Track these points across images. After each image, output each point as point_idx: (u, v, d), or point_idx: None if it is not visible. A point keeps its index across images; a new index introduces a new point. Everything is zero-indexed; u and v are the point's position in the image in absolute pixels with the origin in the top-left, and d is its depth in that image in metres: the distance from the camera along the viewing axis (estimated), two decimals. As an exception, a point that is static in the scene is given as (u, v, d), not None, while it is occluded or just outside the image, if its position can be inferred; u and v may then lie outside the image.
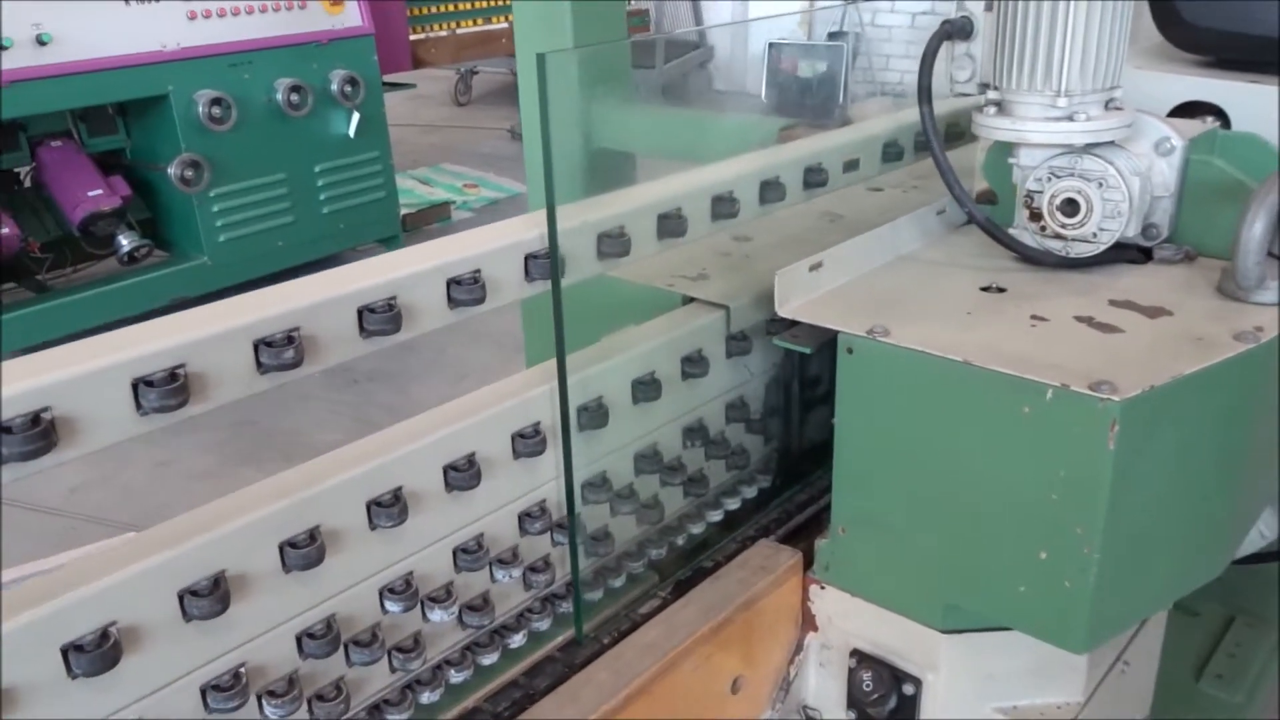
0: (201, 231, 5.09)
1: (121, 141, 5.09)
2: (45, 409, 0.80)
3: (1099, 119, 1.37)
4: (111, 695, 0.88)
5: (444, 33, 6.63)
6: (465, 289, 1.07)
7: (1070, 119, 1.37)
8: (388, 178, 5.85)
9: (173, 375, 0.85)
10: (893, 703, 1.34)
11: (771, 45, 8.57)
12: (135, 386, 0.84)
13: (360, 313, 0.99)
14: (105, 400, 0.82)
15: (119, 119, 5.04)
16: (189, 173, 4.91)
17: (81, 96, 4.67)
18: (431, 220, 6.77)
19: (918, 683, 1.33)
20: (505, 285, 1.13)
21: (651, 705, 1.20)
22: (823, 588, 1.39)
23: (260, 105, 5.16)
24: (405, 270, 1.03)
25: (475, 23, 6.76)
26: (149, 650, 0.89)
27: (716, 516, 1.48)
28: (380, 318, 0.99)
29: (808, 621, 1.43)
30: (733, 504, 1.50)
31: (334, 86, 5.41)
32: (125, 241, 4.96)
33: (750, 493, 1.53)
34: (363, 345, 0.99)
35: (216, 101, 4.92)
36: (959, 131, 1.85)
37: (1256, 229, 1.29)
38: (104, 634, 0.85)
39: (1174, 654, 1.68)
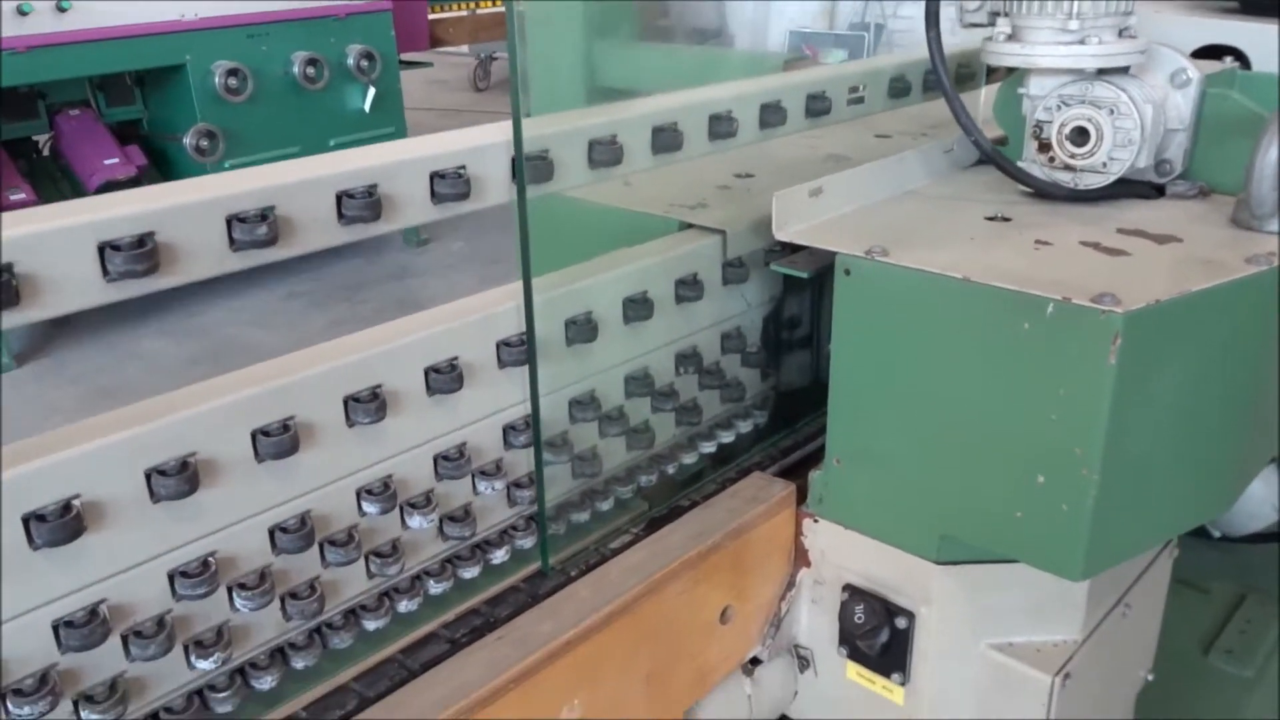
0: (217, 205, 5.08)
1: (139, 111, 5.10)
2: (8, 265, 0.77)
3: (1112, 44, 1.33)
4: (75, 571, 0.86)
5: (463, 12, 6.61)
6: (449, 183, 1.04)
7: (1082, 43, 1.33)
8: (403, 155, 5.82)
9: (140, 241, 0.83)
10: (885, 636, 1.31)
11: (792, 33, 8.52)
12: (102, 250, 0.82)
13: (339, 198, 0.96)
14: (70, 261, 0.80)
15: (136, 89, 5.06)
16: (204, 143, 4.91)
17: (100, 64, 4.68)
18: (447, 200, 6.74)
19: (911, 616, 1.29)
20: (490, 185, 1.10)
21: (636, 626, 1.18)
22: (816, 521, 1.36)
23: (277, 77, 5.15)
24: (388, 159, 1.00)
25: (494, 2, 6.74)
26: (114, 528, 0.87)
27: (709, 448, 1.45)
28: (360, 204, 0.96)
29: (800, 557, 1.40)
30: (726, 437, 1.47)
31: (350, 61, 5.40)
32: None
33: (745, 428, 1.50)
34: (341, 232, 0.97)
35: (233, 73, 4.92)
36: (969, 73, 1.81)
37: (1272, 154, 1.25)
38: (66, 506, 0.83)
39: (1183, 629, 1.63)
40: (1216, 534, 2.64)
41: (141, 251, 0.82)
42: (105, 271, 0.82)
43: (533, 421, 1.19)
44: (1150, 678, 1.57)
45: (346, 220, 0.96)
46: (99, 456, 0.85)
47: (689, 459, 1.42)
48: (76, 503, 0.84)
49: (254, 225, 0.88)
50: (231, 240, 0.89)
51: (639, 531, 1.29)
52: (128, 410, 0.90)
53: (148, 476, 0.89)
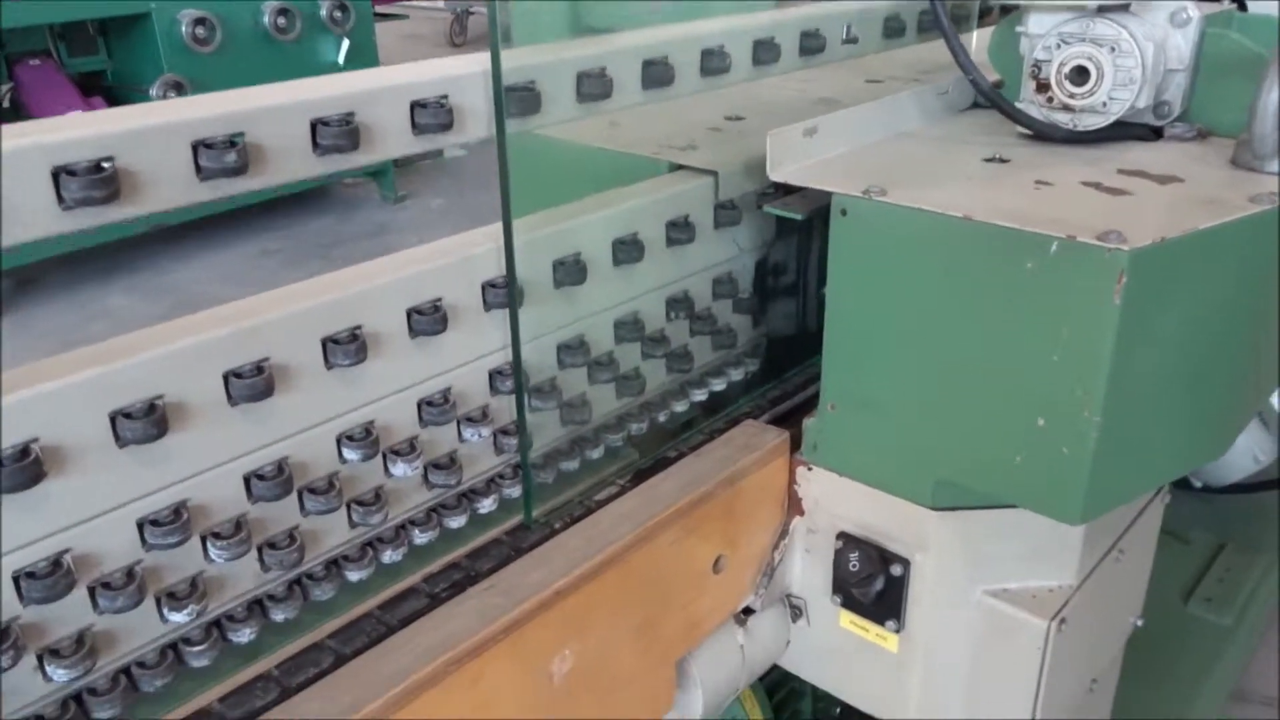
0: (185, 158, 4.95)
1: (103, 63, 4.95)
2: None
3: (1114, -23, 1.29)
4: (35, 519, 0.81)
5: (437, -36, 6.44)
6: (431, 113, 0.98)
7: (1084, -23, 1.28)
8: (377, 109, 5.69)
9: (98, 166, 0.77)
10: (879, 584, 1.29)
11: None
12: (56, 177, 0.76)
13: (314, 126, 0.91)
14: (21, 187, 0.74)
15: (100, 38, 4.89)
16: (171, 95, 4.77)
17: (61, 11, 4.52)
18: (422, 157, 6.63)
19: (906, 563, 1.27)
20: (474, 116, 1.04)
21: (627, 576, 1.14)
22: (810, 469, 1.33)
23: (246, 28, 5.00)
24: (366, 86, 0.94)
25: (469, -47, 6.57)
26: (77, 473, 0.82)
27: (700, 396, 1.41)
28: (335, 132, 0.90)
29: (793, 506, 1.37)
30: (718, 385, 1.43)
31: (323, 12, 5.26)
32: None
33: (736, 375, 1.46)
34: (317, 163, 0.91)
35: (200, 21, 4.77)
36: (963, 14, 1.76)
37: (1274, 95, 1.21)
38: (24, 450, 0.78)
39: (1163, 578, 1.63)
40: (1198, 484, 2.65)
41: (99, 177, 0.76)
42: (60, 199, 0.76)
43: (514, 367, 1.14)
44: (1140, 623, 1.56)
45: (322, 150, 0.91)
46: (59, 397, 0.80)
47: (680, 407, 1.39)
48: (35, 446, 0.79)
49: (222, 152, 0.83)
50: (198, 168, 0.83)
51: (625, 484, 1.25)
52: (90, 350, 0.85)
53: (112, 419, 0.83)
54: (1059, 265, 1.03)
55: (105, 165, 0.77)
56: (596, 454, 1.28)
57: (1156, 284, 1.03)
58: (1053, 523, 1.14)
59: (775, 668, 1.49)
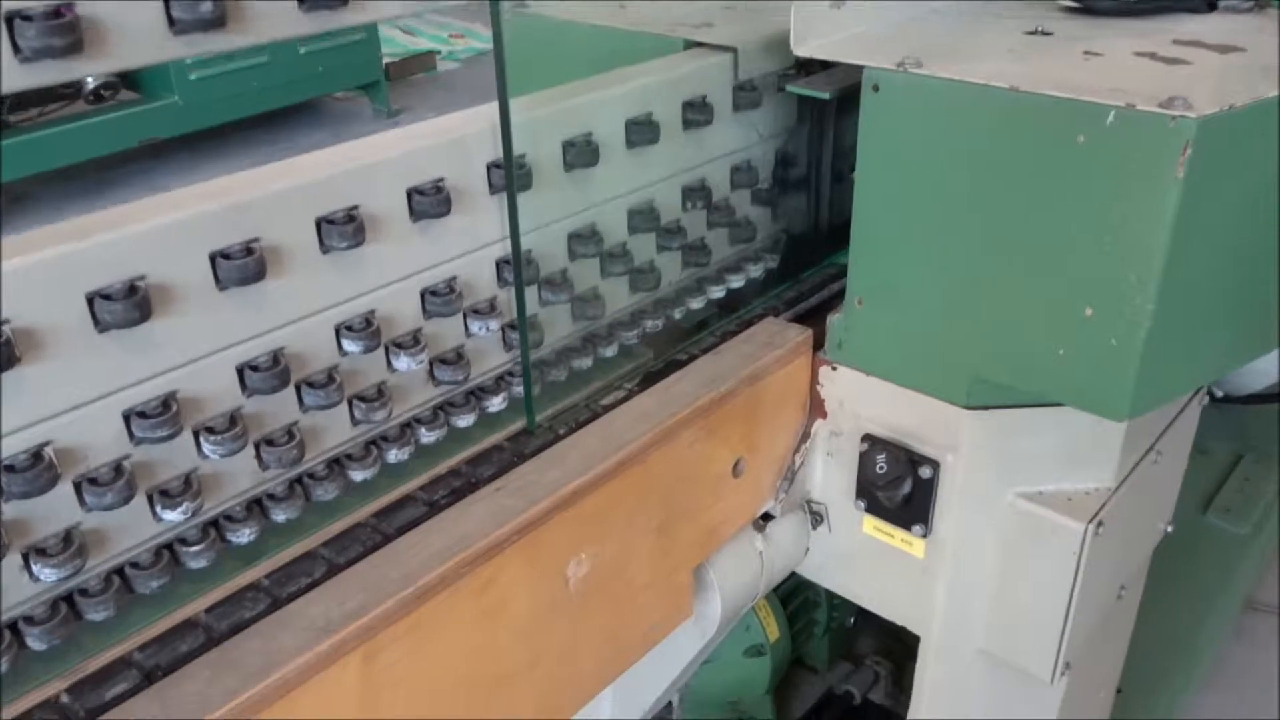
0: (171, 69, 4.80)
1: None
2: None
3: None
4: (13, 406, 0.75)
5: None
6: (429, -33, 0.89)
7: None
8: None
9: (57, 12, 0.68)
10: (907, 487, 1.24)
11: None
12: (11, 22, 0.68)
13: (298, -23, 0.81)
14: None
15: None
16: None
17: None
18: (415, 70, 6.43)
19: (935, 465, 1.22)
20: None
21: (646, 477, 1.09)
22: (834, 369, 1.27)
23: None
24: (356, -65, 0.85)
25: None
26: (54, 359, 0.76)
27: (718, 293, 1.35)
28: (322, -16, 0.81)
29: (816, 408, 1.32)
30: (736, 281, 1.37)
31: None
32: (90, 79, 4.68)
33: (756, 272, 1.40)
34: (304, 20, 0.82)
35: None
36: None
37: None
38: (-6, 332, 0.71)
39: (1183, 487, 1.59)
40: (1219, 394, 2.59)
41: (59, 24, 0.68)
42: (17, 49, 0.68)
43: (513, 254, 1.06)
44: (1170, 529, 1.52)
45: (309, 7, 0.82)
46: (29, 275, 0.73)
47: (696, 304, 1.32)
48: (6, 328, 0.72)
49: (196, 3, 0.74)
50: (171, 20, 0.74)
51: (633, 388, 1.19)
52: (63, 226, 0.78)
53: (90, 301, 0.77)
54: (1115, 138, 0.95)
55: (65, 11, 0.68)
56: (610, 351, 1.22)
57: (1221, 157, 0.95)
58: (1092, 421, 1.09)
59: (789, 578, 1.46)
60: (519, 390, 1.13)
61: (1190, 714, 2.10)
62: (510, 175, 1.01)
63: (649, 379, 1.20)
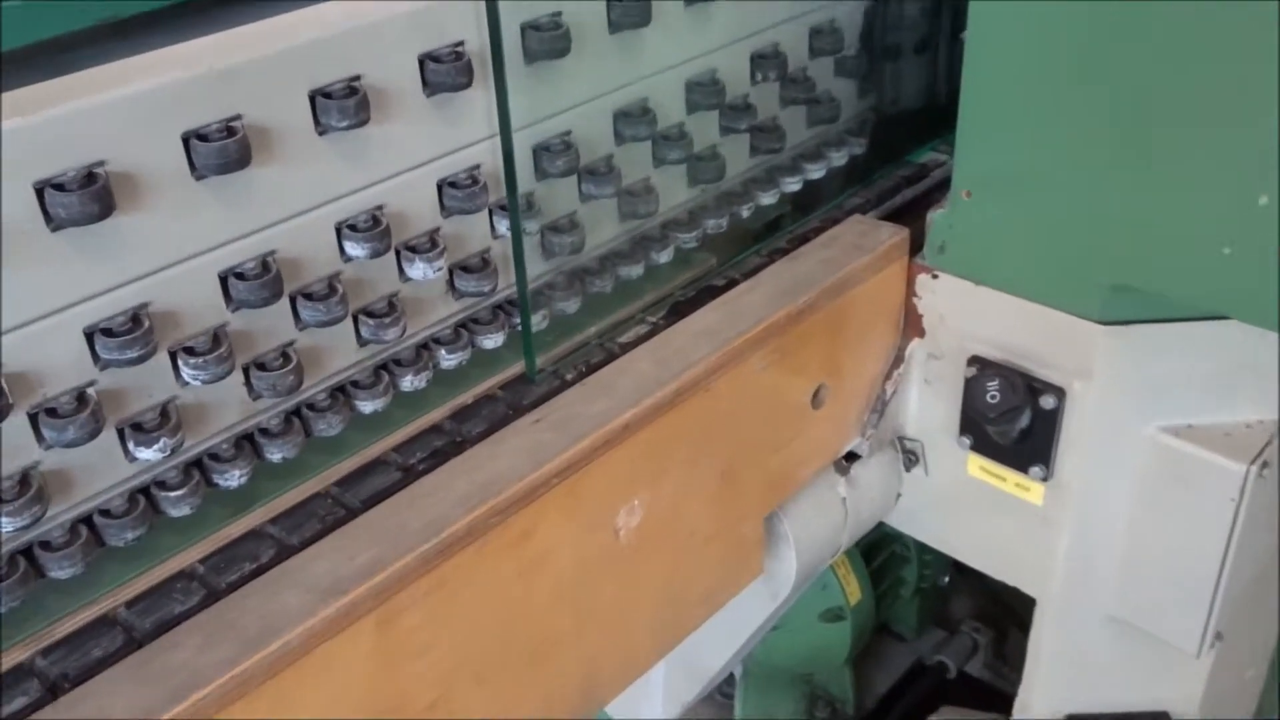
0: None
1: None
2: None
3: None
4: (-53, 325, 0.73)
5: None
6: None
7: None
8: None
9: None
10: (1024, 420, 1.21)
11: None
12: None
13: None
14: None
15: None
16: None
17: None
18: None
19: (1060, 394, 1.18)
20: None
21: (710, 408, 1.08)
22: (935, 277, 1.25)
23: None
24: None
25: None
26: (-2, 266, 0.73)
27: (793, 185, 1.32)
28: None
29: (912, 324, 1.30)
30: (816, 171, 1.34)
31: None
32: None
33: (840, 159, 1.36)
34: None
35: None
36: None
37: None
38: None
39: None
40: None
41: None
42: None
43: (501, 133, 1.00)
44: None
45: None
46: (-35, 160, 0.70)
47: (767, 199, 1.29)
48: (-59, 227, 0.70)
49: None
50: None
51: (660, 320, 1.15)
52: (11, 95, 0.74)
53: (39, 192, 0.74)
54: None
55: None
56: (664, 257, 1.20)
57: None
58: (1257, 339, 1.06)
59: (875, 529, 1.46)
60: (561, 306, 1.11)
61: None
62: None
63: (709, 292, 1.18)
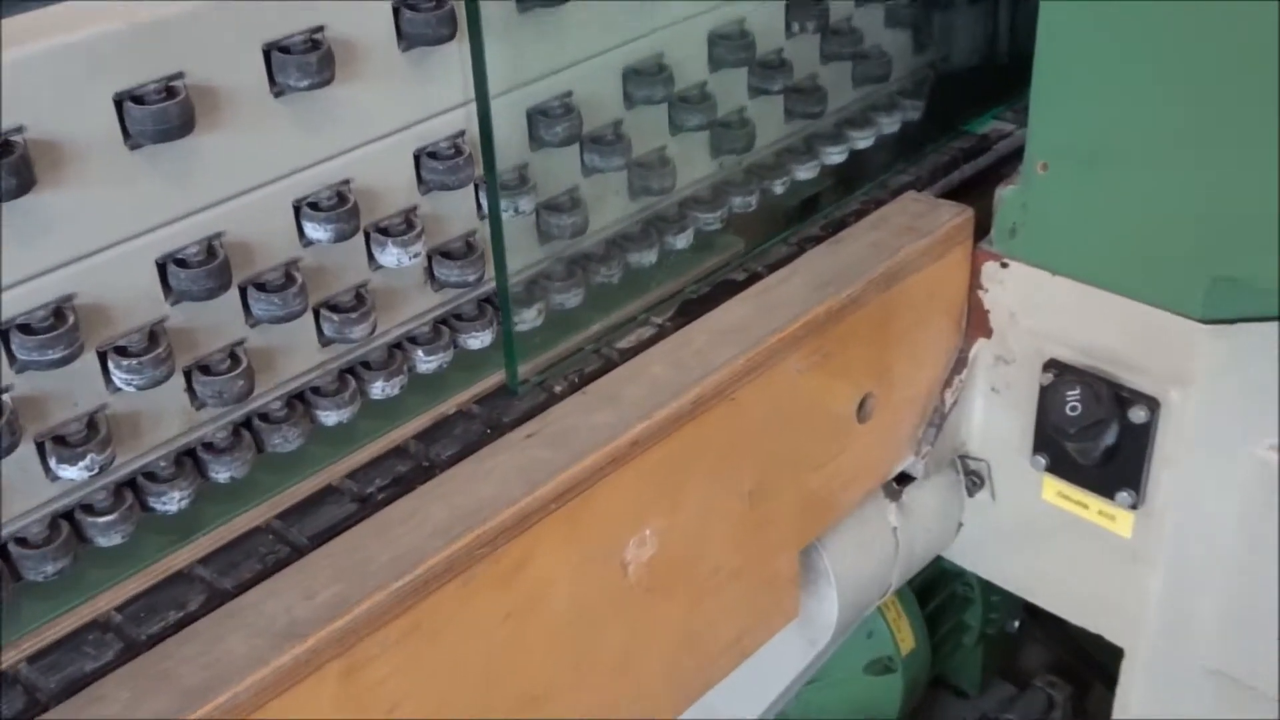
0: None
1: None
2: None
3: None
4: None
5: None
6: None
7: None
8: None
9: None
10: (1111, 437, 1.23)
11: None
12: None
13: None
14: None
15: None
16: None
17: None
18: None
19: (1153, 405, 1.21)
20: None
21: (737, 417, 1.10)
22: (1004, 265, 1.28)
23: None
24: None
25: None
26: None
27: (837, 156, 1.34)
28: None
29: (977, 322, 1.33)
30: (863, 140, 1.36)
31: None
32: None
33: (891, 126, 1.40)
34: None
35: None
36: None
37: None
38: None
39: None
40: None
41: None
42: None
43: (477, 100, 1.02)
44: None
45: None
46: None
47: (805, 172, 1.32)
48: None
49: None
50: None
51: (666, 322, 1.17)
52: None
53: (-61, 161, 0.75)
54: None
55: None
56: (682, 241, 1.22)
57: None
58: None
59: (931, 565, 1.50)
60: (559, 299, 1.13)
61: None
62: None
63: (725, 288, 1.20)
